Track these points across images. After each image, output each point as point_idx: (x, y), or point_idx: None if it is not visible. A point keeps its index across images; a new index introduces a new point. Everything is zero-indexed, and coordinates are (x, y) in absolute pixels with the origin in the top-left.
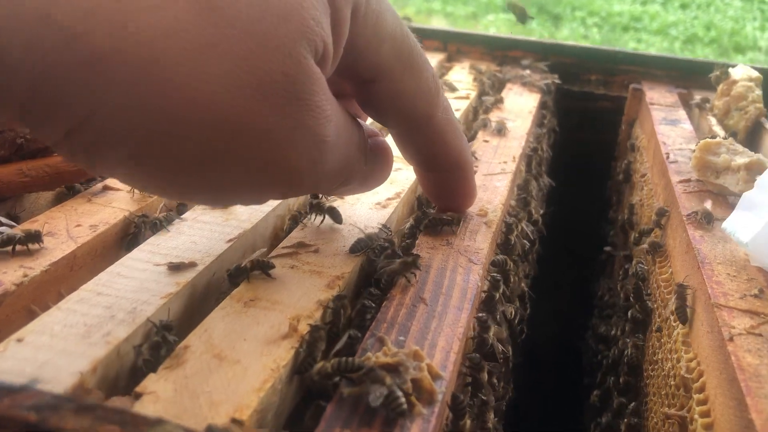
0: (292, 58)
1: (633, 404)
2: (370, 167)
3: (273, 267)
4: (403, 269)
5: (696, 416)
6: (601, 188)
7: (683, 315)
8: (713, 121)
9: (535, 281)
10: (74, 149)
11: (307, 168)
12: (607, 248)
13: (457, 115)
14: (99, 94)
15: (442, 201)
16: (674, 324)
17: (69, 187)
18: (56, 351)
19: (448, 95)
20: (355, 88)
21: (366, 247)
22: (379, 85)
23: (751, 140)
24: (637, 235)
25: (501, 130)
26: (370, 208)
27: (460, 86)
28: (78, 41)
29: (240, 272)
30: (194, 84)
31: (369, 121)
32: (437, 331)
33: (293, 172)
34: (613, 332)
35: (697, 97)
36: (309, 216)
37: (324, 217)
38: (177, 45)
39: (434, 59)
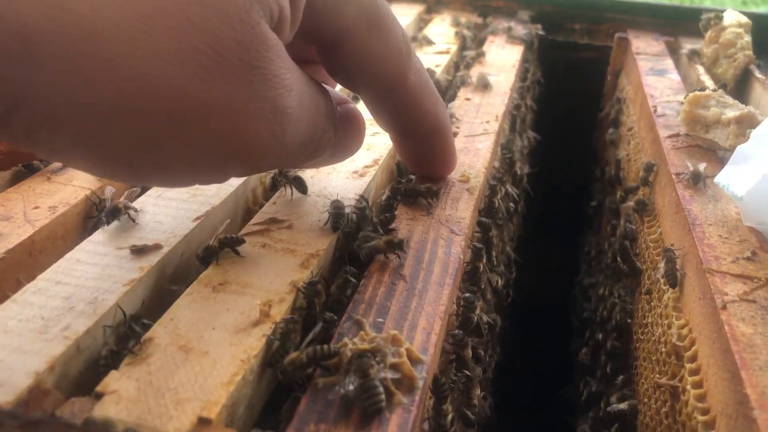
0: (244, 24)
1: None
2: (340, 137)
3: (243, 242)
4: (386, 249)
5: (688, 386)
6: (587, 140)
7: (673, 279)
8: (701, 70)
9: (521, 239)
10: (13, 133)
11: (268, 143)
12: (593, 203)
13: (438, 71)
14: (33, 73)
15: (421, 168)
16: (664, 287)
17: (26, 165)
18: (10, 349)
19: (427, 50)
20: (320, 53)
21: (346, 220)
22: (345, 49)
23: (739, 89)
24: (623, 193)
25: (486, 86)
26: (347, 177)
27: (440, 40)
28: (6, 15)
29: (210, 252)
30: (138, 58)
31: (338, 87)
32: (417, 310)
33: (253, 148)
34: (601, 291)
35: (686, 46)
36: (279, 188)
37: (292, 189)
38: (116, 16)
39: (413, 11)
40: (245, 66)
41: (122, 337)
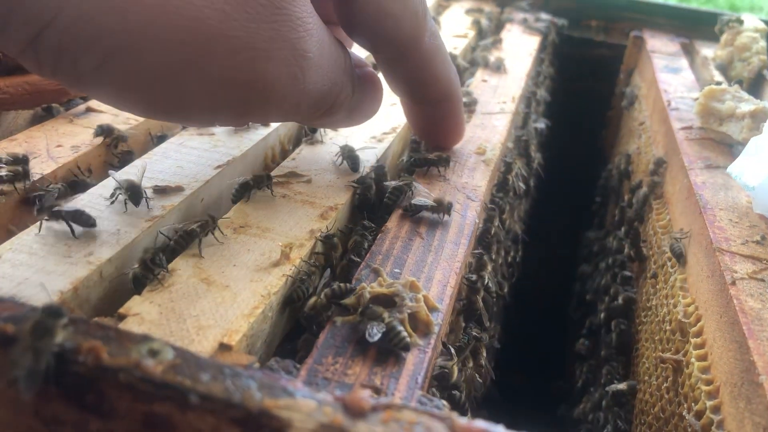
0: None
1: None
2: (357, 98)
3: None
4: (434, 208)
5: (693, 359)
6: (595, 138)
7: (679, 256)
8: (715, 71)
9: (529, 227)
10: (40, 58)
11: (287, 83)
12: (598, 199)
13: (456, 53)
14: None
15: (430, 136)
16: (671, 270)
17: (46, 108)
18: (35, 269)
19: (444, 33)
20: (338, 7)
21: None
22: (363, 3)
23: (753, 93)
24: (629, 195)
25: (499, 67)
26: (366, 141)
27: (458, 26)
28: None
29: (244, 188)
30: None
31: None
32: (434, 264)
33: (272, 88)
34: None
35: (701, 49)
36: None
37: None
38: None
39: None
40: (270, 5)
41: (146, 268)
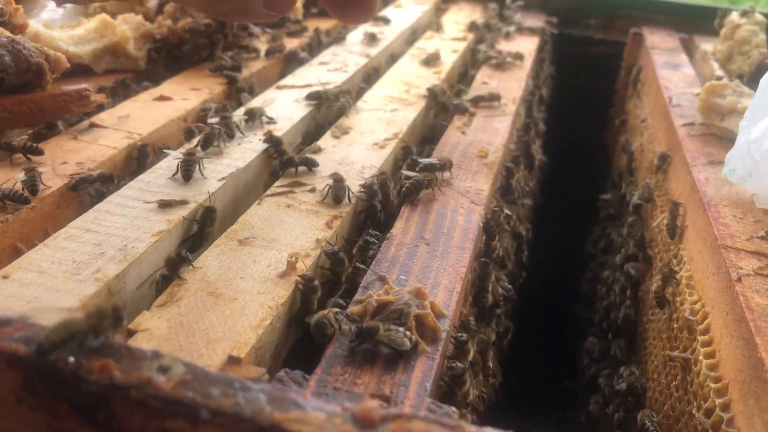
0: None
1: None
2: None
3: (317, 165)
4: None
5: (701, 357)
6: (597, 136)
7: (672, 231)
8: (715, 66)
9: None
10: None
11: None
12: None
13: (454, 57)
14: None
15: (341, 10)
16: (677, 268)
17: (49, 126)
18: (44, 288)
19: (444, 36)
20: None
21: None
22: None
23: (754, 86)
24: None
25: (501, 65)
26: (368, 148)
27: (457, 29)
28: None
29: (289, 163)
30: None
31: None
32: (440, 270)
33: None
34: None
35: (701, 44)
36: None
37: (296, 169)
38: None
39: (429, 0)
40: None
41: (173, 263)
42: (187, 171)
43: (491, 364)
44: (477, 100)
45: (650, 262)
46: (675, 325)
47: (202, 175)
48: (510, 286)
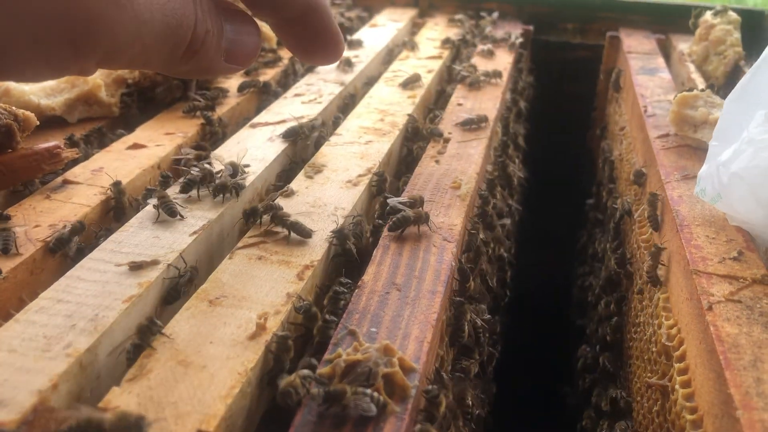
0: None
1: None
2: (230, 38)
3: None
4: (416, 220)
5: (677, 386)
6: (581, 139)
7: (655, 223)
8: (692, 67)
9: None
10: None
11: (113, 14)
12: (590, 201)
13: (429, 77)
14: None
15: (306, 55)
16: (654, 288)
17: (25, 184)
18: (14, 368)
19: (420, 55)
20: None
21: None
22: None
23: (730, 86)
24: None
25: (475, 83)
26: (341, 186)
27: (432, 45)
28: None
29: (252, 213)
30: None
31: None
32: (411, 319)
33: (97, 19)
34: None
35: (678, 44)
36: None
37: (290, 233)
38: None
39: (406, 15)
40: None
41: (144, 331)
42: (170, 210)
43: (470, 402)
44: (467, 124)
45: (632, 279)
46: (654, 348)
47: (181, 216)
48: (489, 316)
